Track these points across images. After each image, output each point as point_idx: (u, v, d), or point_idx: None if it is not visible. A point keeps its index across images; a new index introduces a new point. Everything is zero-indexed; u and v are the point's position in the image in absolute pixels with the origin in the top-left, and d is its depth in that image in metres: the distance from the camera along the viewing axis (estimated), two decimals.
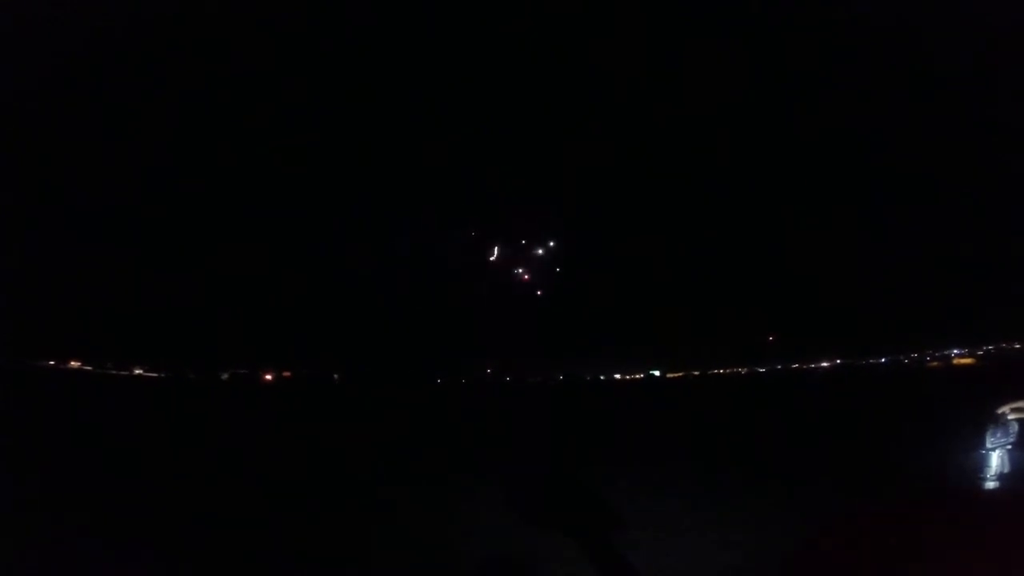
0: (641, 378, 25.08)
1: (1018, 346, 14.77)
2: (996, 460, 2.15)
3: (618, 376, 25.30)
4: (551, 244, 17.04)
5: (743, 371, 25.72)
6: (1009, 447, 2.11)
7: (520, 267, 17.15)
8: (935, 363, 18.39)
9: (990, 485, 2.18)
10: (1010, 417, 2.05)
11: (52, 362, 13.31)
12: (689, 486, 6.51)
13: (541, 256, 16.94)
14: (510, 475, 6.69)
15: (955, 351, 17.89)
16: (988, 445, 2.13)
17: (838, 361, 20.69)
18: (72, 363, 13.51)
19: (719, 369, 24.93)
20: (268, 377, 18.92)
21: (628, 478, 6.52)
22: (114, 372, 14.74)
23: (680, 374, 25.92)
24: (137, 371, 16.36)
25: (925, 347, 18.45)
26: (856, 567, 3.98)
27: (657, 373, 25.66)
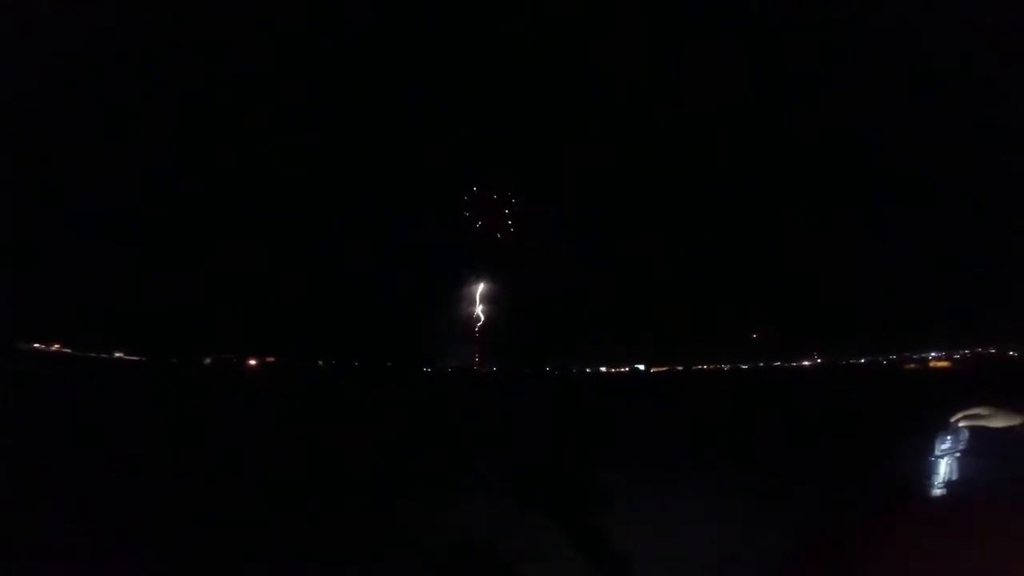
0: (626, 371, 25.42)
1: (993, 351, 15.24)
2: (944, 468, 2.18)
3: (604, 369, 25.62)
4: (543, 241, 17.04)
5: (726, 367, 26.22)
6: (958, 455, 2.14)
7: (512, 262, 17.15)
8: (912, 365, 18.92)
9: (937, 493, 2.22)
10: (961, 424, 2.08)
11: (37, 345, 13.09)
12: (682, 482, 6.62)
13: (534, 252, 16.94)
14: (510, 475, 6.72)
15: (932, 353, 18.39)
16: (937, 452, 2.16)
17: (818, 360, 21.16)
18: (61, 348, 13.25)
19: (703, 365, 25.38)
20: (252, 362, 18.71)
21: (624, 474, 6.60)
22: (95, 355, 14.46)
23: (664, 369, 26.34)
24: (118, 354, 16.02)
25: (903, 349, 18.90)
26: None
27: (641, 367, 26.05)
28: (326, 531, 5.11)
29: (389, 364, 17.84)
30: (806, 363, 20.35)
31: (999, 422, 2.04)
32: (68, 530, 4.66)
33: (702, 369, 23.02)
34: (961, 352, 16.39)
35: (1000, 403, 2.08)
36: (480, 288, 17.24)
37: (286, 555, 4.62)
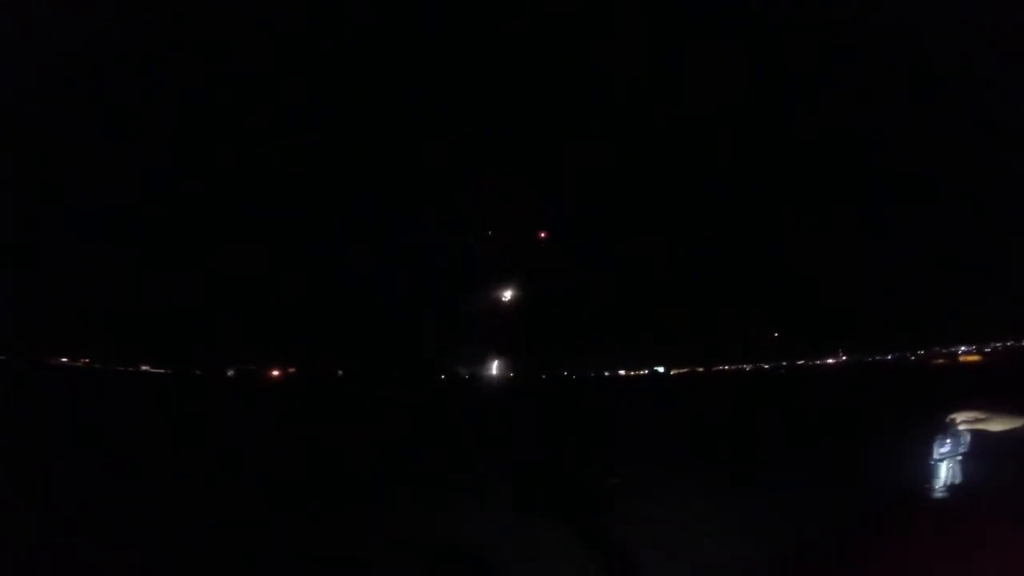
0: (645, 374, 25.10)
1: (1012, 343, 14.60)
2: (944, 471, 2.08)
3: (623, 372, 25.34)
4: (555, 242, 17.05)
5: (748, 367, 25.69)
6: (959, 458, 2.05)
7: (524, 265, 17.18)
8: (941, 360, 18.26)
9: (938, 497, 2.13)
10: (961, 427, 1.99)
11: (64, 359, 13.50)
12: (686, 485, 6.54)
13: (545, 255, 16.95)
14: (510, 475, 6.72)
15: (962, 348, 17.70)
16: (936, 456, 2.07)
17: (843, 358, 20.58)
18: (82, 360, 13.66)
19: (724, 366, 24.92)
20: (275, 373, 19.05)
21: (627, 477, 6.53)
22: (121, 369, 14.92)
23: (684, 370, 25.91)
24: (144, 367, 16.49)
25: (932, 343, 18.27)
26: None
27: (661, 370, 25.68)
28: (339, 535, 5.17)
29: (405, 371, 17.96)
30: (831, 361, 19.83)
31: (999, 425, 1.96)
32: (90, 535, 4.81)
33: (723, 370, 22.61)
34: (992, 345, 15.76)
35: (1000, 404, 2.01)
36: (492, 293, 17.25)
37: (298, 559, 4.69)
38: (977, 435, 2.01)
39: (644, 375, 21.84)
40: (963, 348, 16.58)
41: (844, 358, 19.29)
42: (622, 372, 22.62)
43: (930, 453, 2.06)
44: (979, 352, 16.18)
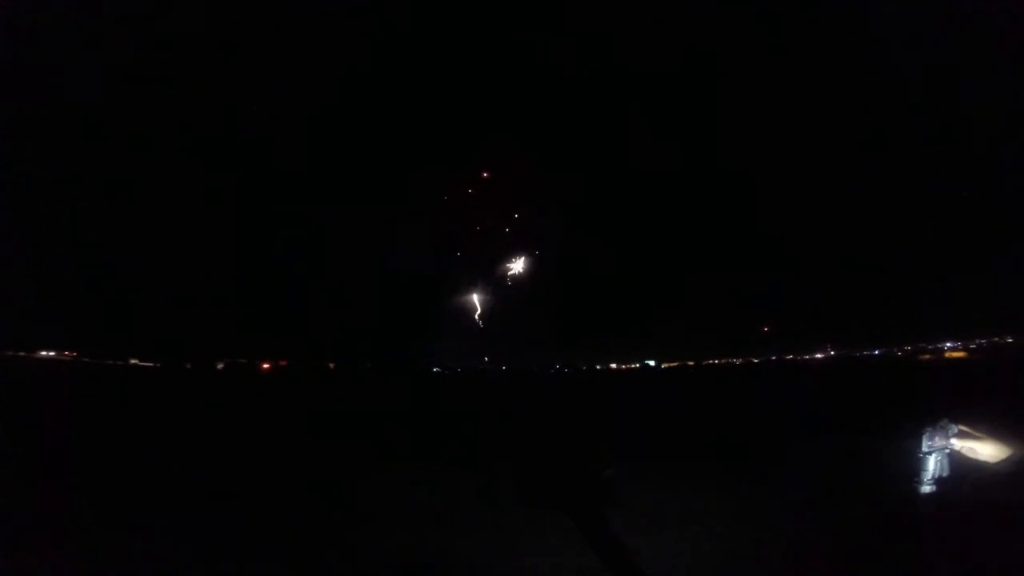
0: (637, 367, 25.23)
1: (1010, 340, 14.86)
2: (933, 464, 2.17)
3: (614, 365, 25.45)
4: (548, 234, 17.05)
5: (738, 361, 25.91)
6: (947, 451, 2.14)
7: (517, 258, 17.18)
8: (927, 356, 18.55)
9: (926, 489, 2.21)
10: (955, 446, 2.07)
11: (51, 353, 13.31)
12: (679, 479, 6.60)
13: (538, 247, 16.95)
14: (509, 474, 6.74)
15: (947, 344, 17.95)
16: (924, 449, 2.15)
17: (831, 352, 20.83)
18: (67, 353, 13.49)
19: (713, 360, 25.10)
20: (266, 366, 18.90)
21: (626, 472, 6.59)
22: (111, 363, 14.73)
23: (675, 363, 26.06)
24: (133, 361, 16.28)
25: (918, 339, 18.57)
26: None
27: (652, 363, 25.81)
28: (334, 530, 5.17)
29: (397, 364, 17.92)
30: (819, 356, 20.08)
31: (988, 451, 2.02)
32: (89, 534, 4.77)
33: (713, 364, 22.80)
34: (977, 342, 16.02)
35: (994, 424, 2.06)
36: (484, 284, 17.22)
37: (293, 555, 4.69)
38: (964, 426, 2.08)
39: (636, 368, 21.93)
40: (949, 344, 16.87)
41: (832, 353, 19.53)
42: (614, 365, 22.75)
43: (919, 446, 2.12)
44: (965, 348, 16.47)
